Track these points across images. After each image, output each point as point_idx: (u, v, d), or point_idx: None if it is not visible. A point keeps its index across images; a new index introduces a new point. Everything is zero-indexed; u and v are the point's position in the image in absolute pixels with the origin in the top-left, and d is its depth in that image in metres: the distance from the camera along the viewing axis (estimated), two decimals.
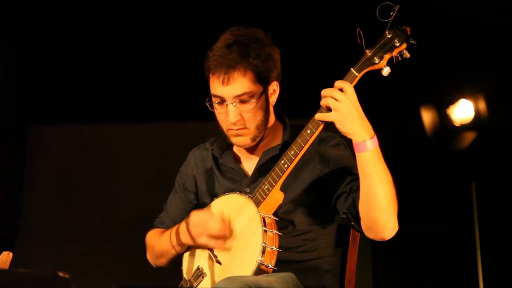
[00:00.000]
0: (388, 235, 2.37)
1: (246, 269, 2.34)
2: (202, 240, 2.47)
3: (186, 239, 2.53)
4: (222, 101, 2.53)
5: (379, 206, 2.31)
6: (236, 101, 2.51)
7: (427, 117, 4.62)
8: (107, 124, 5.08)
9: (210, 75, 2.54)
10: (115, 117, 4.99)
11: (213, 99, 2.55)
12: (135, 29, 4.79)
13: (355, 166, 2.42)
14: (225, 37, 2.55)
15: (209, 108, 2.58)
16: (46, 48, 4.88)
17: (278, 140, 2.64)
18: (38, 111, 5.04)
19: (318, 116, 2.34)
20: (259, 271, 2.33)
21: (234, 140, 2.59)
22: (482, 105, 4.55)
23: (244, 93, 2.50)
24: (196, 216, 2.50)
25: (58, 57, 4.89)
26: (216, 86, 2.52)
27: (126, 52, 4.85)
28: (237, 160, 2.68)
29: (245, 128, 2.55)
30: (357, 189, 2.41)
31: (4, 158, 5.03)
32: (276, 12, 4.37)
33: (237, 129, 2.54)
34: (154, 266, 2.79)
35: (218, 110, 2.57)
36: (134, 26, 4.78)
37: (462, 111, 4.58)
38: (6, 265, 2.37)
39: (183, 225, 2.54)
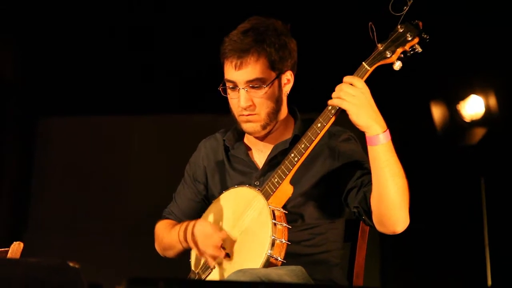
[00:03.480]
0: (400, 229, 2.37)
1: (255, 262, 2.34)
2: (203, 253, 2.47)
3: (191, 246, 2.53)
4: (235, 86, 2.54)
5: (391, 200, 2.31)
6: (248, 86, 2.52)
7: (437, 112, 4.61)
8: (117, 116, 5.09)
9: (225, 60, 2.55)
10: (125, 109, 5.00)
11: (227, 84, 2.57)
12: (145, 21, 4.79)
13: (366, 161, 2.42)
14: (243, 25, 2.57)
15: (222, 93, 2.59)
16: (54, 41, 4.88)
17: (289, 134, 2.64)
18: (46, 104, 5.05)
19: (334, 101, 2.32)
20: (268, 264, 2.33)
21: (244, 126, 2.59)
22: (492, 101, 4.54)
23: (256, 79, 2.51)
24: (200, 229, 2.50)
25: (67, 49, 4.89)
26: (229, 71, 2.53)
27: (136, 44, 4.85)
28: (249, 152, 2.68)
29: (255, 114, 2.55)
30: (368, 183, 2.42)
31: (13, 150, 5.04)
32: (288, 5, 4.36)
33: (247, 115, 2.55)
34: (162, 256, 2.80)
35: (231, 95, 2.57)
36: (144, 17, 4.78)
37: (473, 107, 4.57)
38: (17, 255, 2.39)
39: (190, 228, 2.53)
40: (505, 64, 4.39)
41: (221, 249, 2.44)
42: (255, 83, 2.52)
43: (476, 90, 4.57)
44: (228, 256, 2.47)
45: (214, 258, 2.45)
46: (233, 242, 2.47)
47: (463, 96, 4.58)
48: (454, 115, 4.59)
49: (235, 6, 4.23)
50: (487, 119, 4.54)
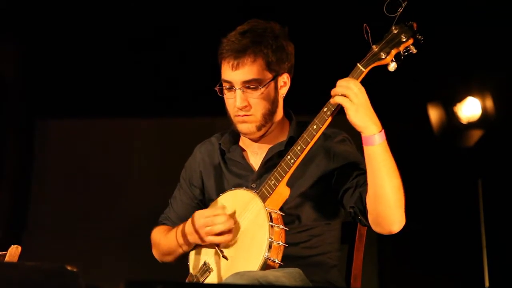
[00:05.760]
0: (396, 229, 2.38)
1: (253, 264, 2.34)
2: (210, 238, 2.47)
3: (194, 239, 2.53)
4: (231, 86, 2.55)
5: (386, 200, 2.32)
6: (244, 86, 2.53)
7: (435, 114, 4.62)
8: (115, 119, 5.10)
9: (222, 60, 2.57)
10: (123, 112, 5.01)
11: (223, 85, 2.58)
12: (143, 25, 4.80)
13: (361, 161, 2.44)
14: (241, 27, 2.58)
15: (218, 93, 2.60)
16: (55, 43, 4.90)
17: (284, 136, 2.65)
18: (46, 106, 5.06)
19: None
20: (266, 266, 2.34)
21: (239, 127, 2.60)
22: (489, 103, 4.55)
23: (253, 79, 2.52)
24: (200, 216, 2.50)
25: (67, 52, 4.90)
26: (226, 71, 2.55)
27: (135, 47, 4.86)
28: (244, 155, 2.69)
29: (251, 114, 2.56)
30: (364, 183, 2.43)
31: (12, 152, 5.05)
32: (284, 8, 4.37)
33: (243, 115, 2.56)
34: (160, 262, 2.80)
35: (227, 96, 2.59)
36: (142, 21, 4.79)
37: (469, 109, 4.58)
38: (14, 259, 2.39)
39: (188, 226, 2.53)
40: (502, 66, 4.40)
41: (231, 219, 2.44)
42: (251, 84, 2.53)
43: (472, 92, 4.58)
44: (226, 258, 2.47)
45: (227, 229, 2.45)
46: (230, 244, 2.47)
47: (460, 98, 4.59)
48: (451, 117, 4.60)
49: (233, 10, 4.25)
50: (484, 121, 4.55)
